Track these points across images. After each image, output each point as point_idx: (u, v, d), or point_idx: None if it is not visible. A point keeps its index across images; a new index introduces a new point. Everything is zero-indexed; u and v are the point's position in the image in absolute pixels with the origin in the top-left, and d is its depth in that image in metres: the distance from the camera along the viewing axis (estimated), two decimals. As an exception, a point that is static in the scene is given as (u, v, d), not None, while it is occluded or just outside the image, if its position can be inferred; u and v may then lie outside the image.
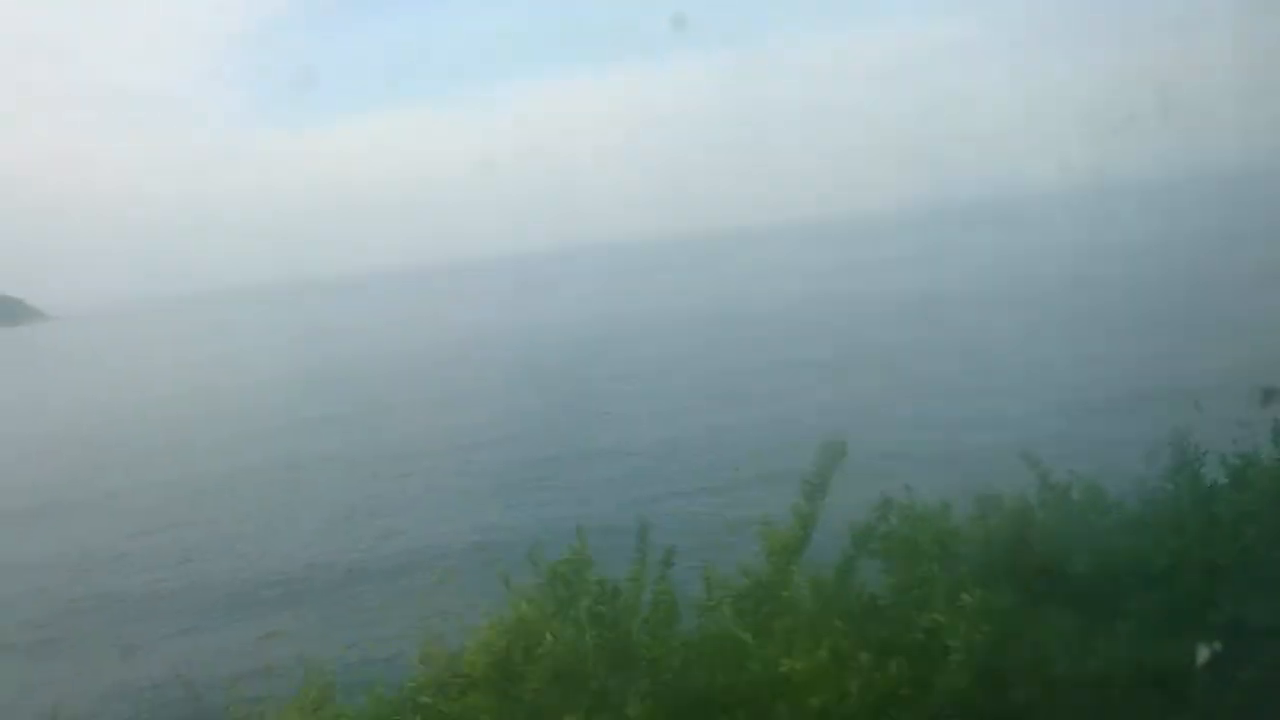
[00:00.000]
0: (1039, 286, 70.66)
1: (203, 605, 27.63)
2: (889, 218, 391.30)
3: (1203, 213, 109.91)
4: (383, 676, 7.84)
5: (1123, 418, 28.56)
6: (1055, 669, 5.08)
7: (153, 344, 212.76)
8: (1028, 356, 43.49)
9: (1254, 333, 34.87)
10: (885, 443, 27.61)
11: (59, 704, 19.72)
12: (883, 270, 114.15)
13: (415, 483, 39.65)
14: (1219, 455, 6.20)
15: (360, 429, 55.20)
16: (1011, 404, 34.03)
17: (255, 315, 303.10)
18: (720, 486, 31.45)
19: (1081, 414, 30.72)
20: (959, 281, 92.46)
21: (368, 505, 37.97)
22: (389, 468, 44.05)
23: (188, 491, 49.74)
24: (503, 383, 71.01)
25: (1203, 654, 5.11)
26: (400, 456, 46.45)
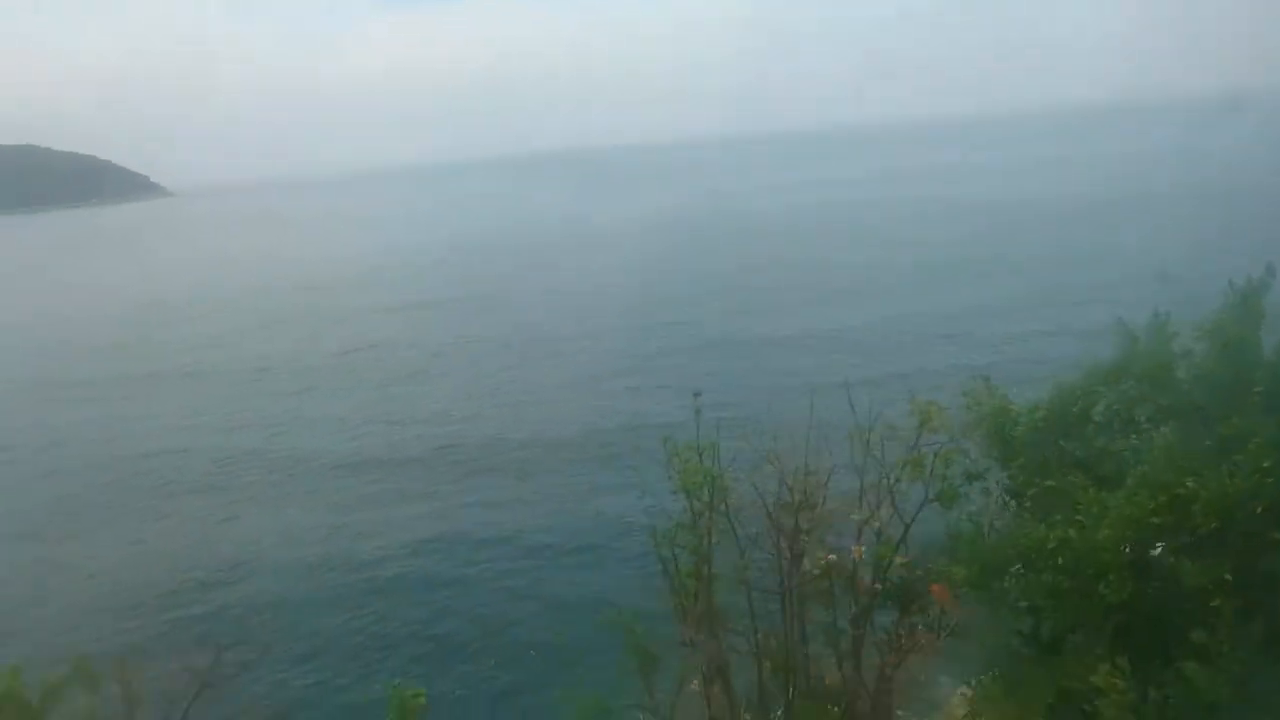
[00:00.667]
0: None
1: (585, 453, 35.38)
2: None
3: None
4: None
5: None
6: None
7: (266, 220, 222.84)
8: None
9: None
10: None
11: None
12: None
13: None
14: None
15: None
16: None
17: (374, 196, 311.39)
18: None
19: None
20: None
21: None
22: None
23: (420, 354, 57.69)
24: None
25: None
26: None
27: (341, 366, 57.81)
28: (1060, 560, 8.12)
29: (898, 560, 11.09)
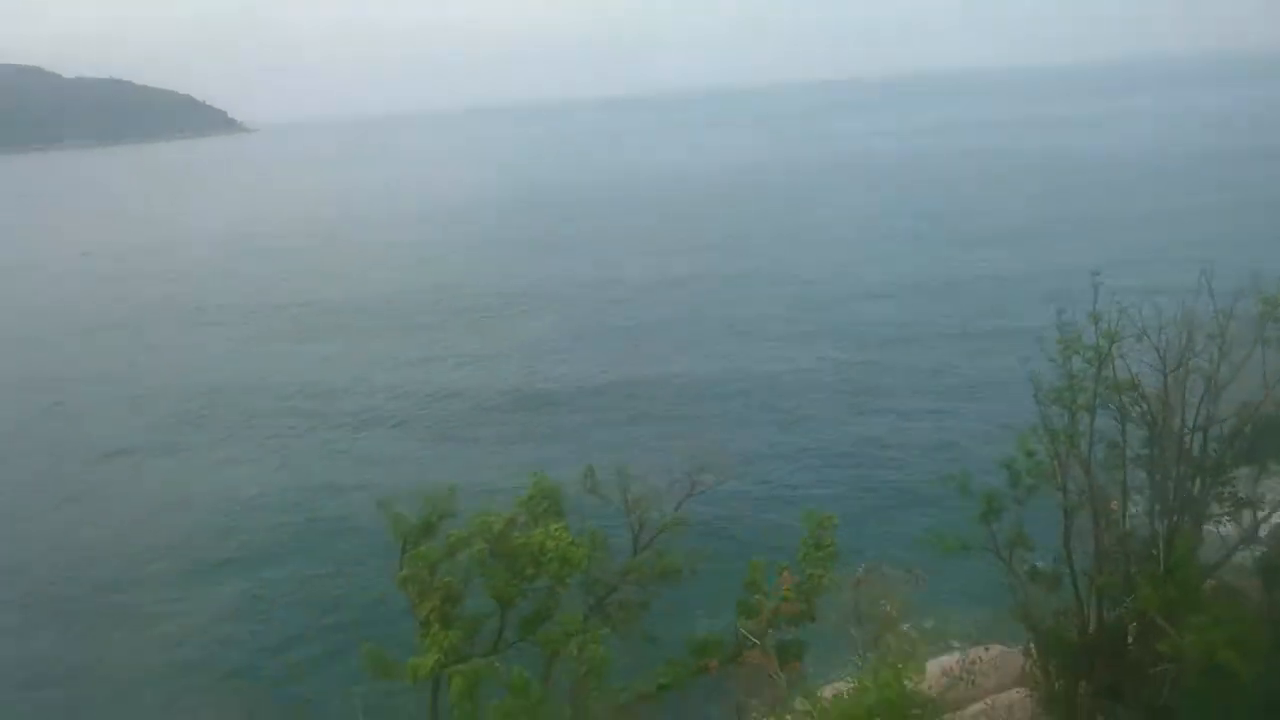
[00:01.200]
0: None
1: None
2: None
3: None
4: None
5: None
6: None
7: (345, 156, 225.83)
8: None
9: None
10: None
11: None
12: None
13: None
14: None
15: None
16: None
17: (462, 134, 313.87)
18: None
19: None
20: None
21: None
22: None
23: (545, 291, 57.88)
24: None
25: None
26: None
27: (446, 302, 58.27)
28: None
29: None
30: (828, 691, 12.48)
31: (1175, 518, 14.48)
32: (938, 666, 16.73)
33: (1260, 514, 14.99)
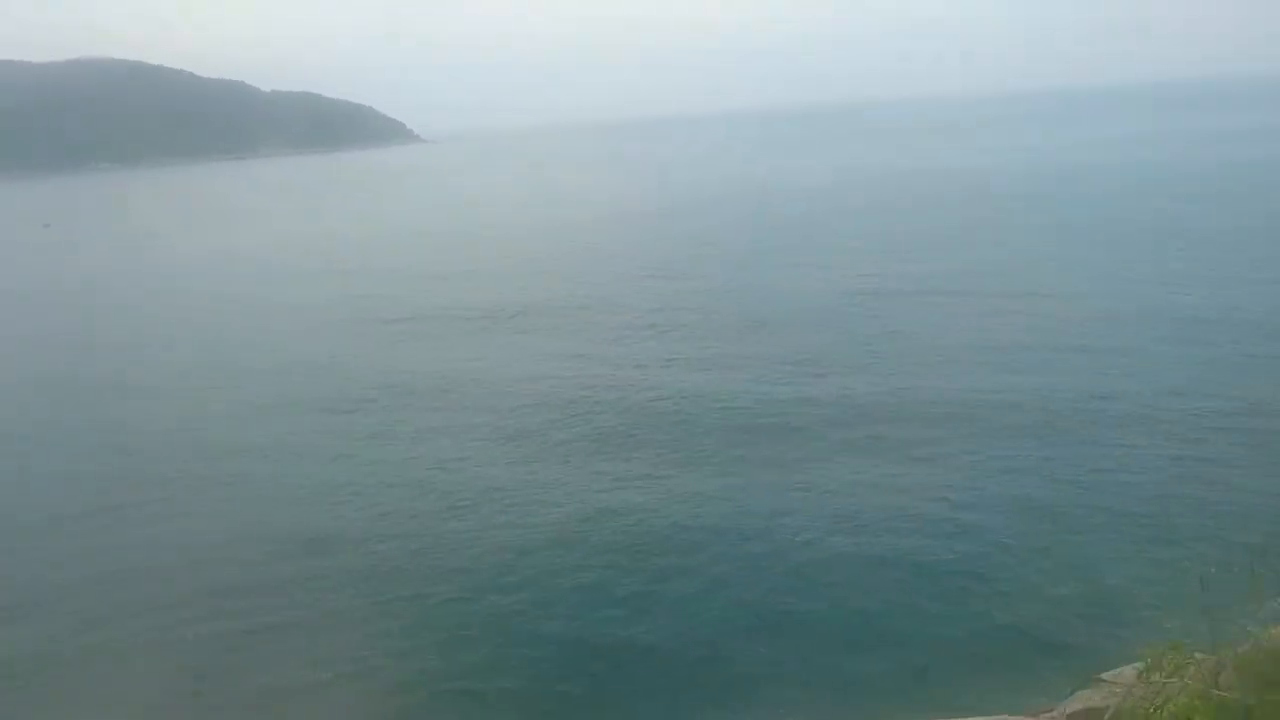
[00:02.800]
0: None
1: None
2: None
3: None
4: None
5: None
6: None
7: (516, 163, 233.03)
8: None
9: None
10: None
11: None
12: None
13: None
14: None
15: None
16: None
17: (613, 144, 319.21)
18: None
19: None
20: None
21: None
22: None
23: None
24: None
25: None
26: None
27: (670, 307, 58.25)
28: None
29: None
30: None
31: None
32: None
33: None
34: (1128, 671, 11.48)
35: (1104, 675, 12.50)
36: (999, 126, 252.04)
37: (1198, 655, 8.62)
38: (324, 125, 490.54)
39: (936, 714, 15.71)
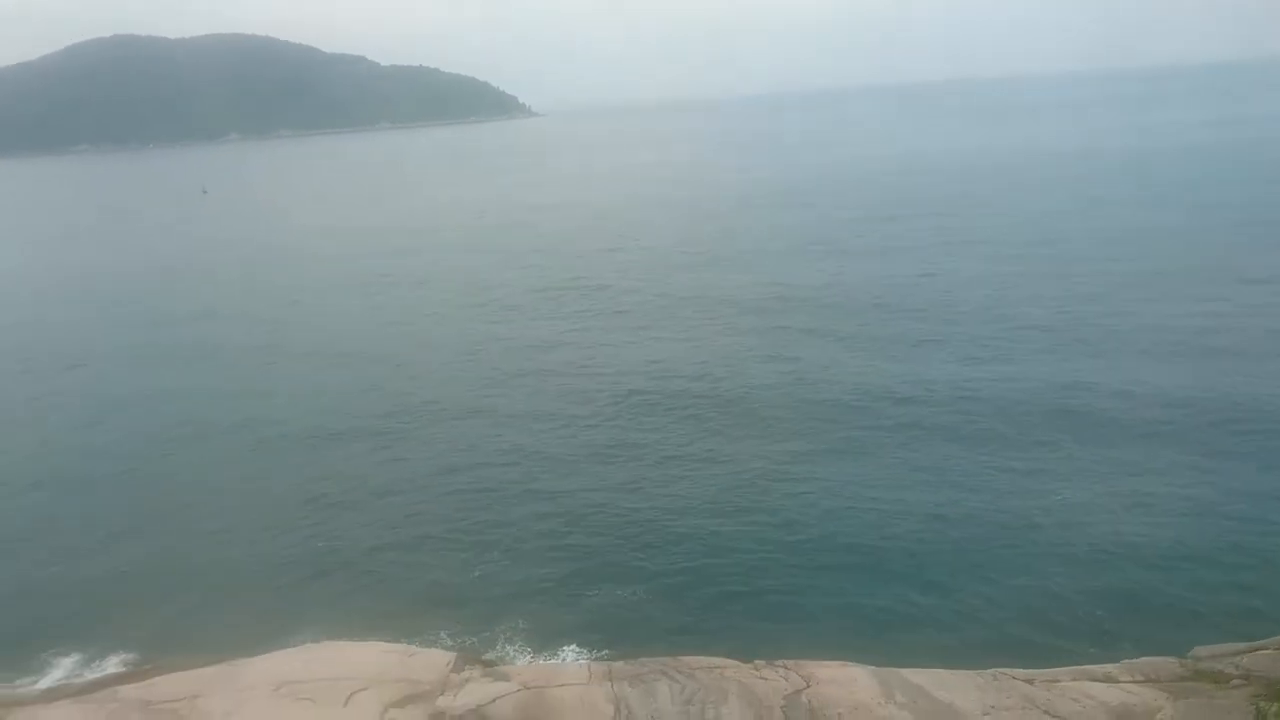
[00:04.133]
0: None
1: None
2: None
3: None
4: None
5: None
6: None
7: (628, 137, 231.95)
8: None
9: None
10: None
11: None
12: None
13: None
14: None
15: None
16: None
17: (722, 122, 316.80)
18: None
19: None
20: None
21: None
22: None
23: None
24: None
25: None
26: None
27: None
28: None
29: None
30: None
31: None
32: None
33: None
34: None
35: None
36: (1130, 105, 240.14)
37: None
38: (440, 99, 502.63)
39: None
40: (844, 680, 15.90)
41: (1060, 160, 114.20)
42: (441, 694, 16.51)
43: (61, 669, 23.58)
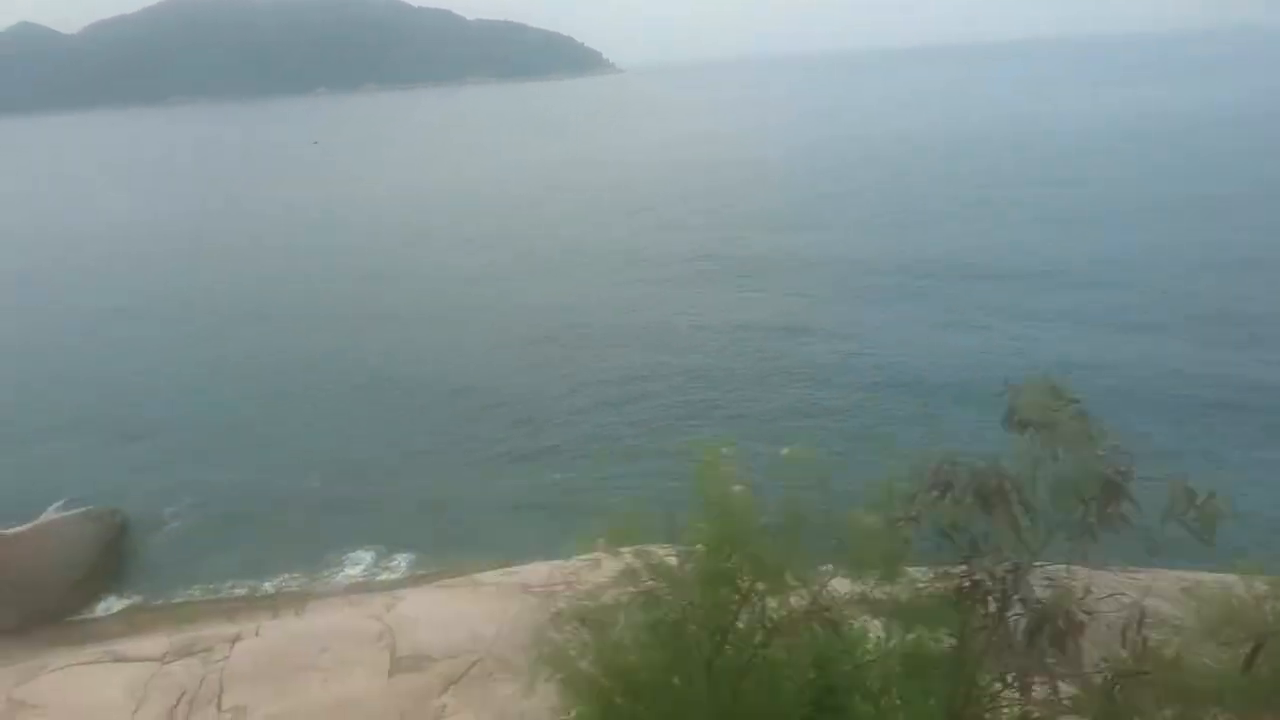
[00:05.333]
0: None
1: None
2: None
3: None
4: None
5: None
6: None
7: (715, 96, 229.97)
8: None
9: None
10: None
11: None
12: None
13: None
14: None
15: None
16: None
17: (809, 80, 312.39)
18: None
19: None
20: None
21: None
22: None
23: None
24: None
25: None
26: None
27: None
28: None
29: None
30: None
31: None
32: None
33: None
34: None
35: None
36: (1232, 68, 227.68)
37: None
38: (526, 54, 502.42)
39: None
40: None
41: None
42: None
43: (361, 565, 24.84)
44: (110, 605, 23.82)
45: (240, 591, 23.97)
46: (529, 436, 31.27)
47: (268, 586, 24.00)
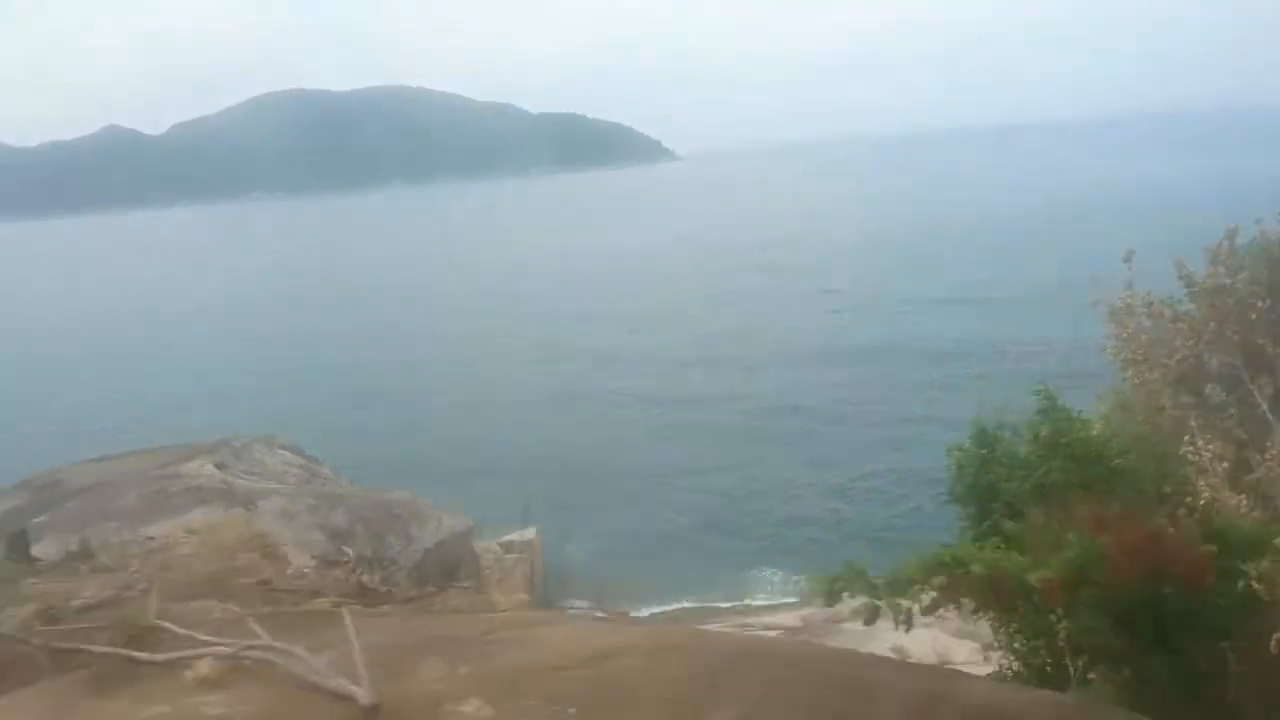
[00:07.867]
0: None
1: None
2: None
3: None
4: None
5: None
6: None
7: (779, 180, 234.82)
8: None
9: None
10: None
11: None
12: None
13: None
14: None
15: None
16: None
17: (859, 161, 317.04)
18: None
19: None
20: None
21: None
22: None
23: None
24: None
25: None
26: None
27: None
28: None
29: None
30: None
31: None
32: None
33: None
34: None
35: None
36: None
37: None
38: (588, 144, 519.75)
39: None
40: None
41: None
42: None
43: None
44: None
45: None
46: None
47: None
